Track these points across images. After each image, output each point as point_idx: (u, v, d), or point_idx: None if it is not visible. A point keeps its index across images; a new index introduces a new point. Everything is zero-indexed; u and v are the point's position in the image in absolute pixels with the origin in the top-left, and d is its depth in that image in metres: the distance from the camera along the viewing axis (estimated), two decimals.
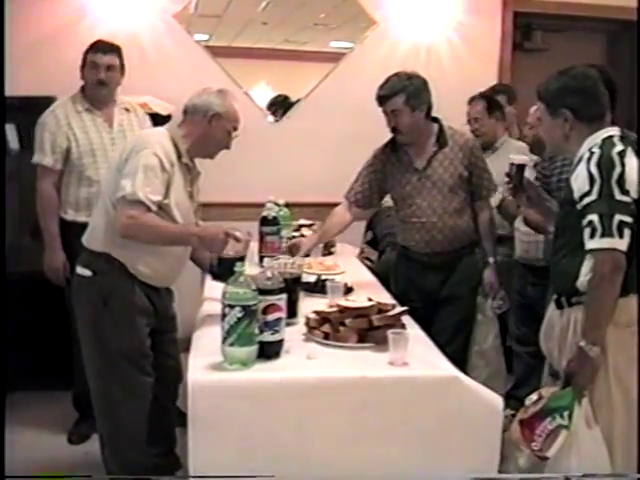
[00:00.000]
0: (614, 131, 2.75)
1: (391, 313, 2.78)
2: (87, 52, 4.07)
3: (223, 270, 2.99)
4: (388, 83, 3.69)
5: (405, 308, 2.90)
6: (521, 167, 3.06)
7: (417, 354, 2.61)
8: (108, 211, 3.04)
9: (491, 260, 3.88)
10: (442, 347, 2.87)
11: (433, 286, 3.82)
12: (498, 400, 2.50)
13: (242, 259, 3.03)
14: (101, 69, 4.01)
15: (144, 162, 2.94)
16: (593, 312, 2.63)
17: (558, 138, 2.83)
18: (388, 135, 5.31)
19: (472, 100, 4.71)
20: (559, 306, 2.84)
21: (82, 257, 3.14)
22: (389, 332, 2.59)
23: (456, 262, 3.82)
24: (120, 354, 3.05)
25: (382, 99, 3.69)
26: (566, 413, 2.60)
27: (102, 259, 3.05)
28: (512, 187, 3.09)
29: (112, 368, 3.07)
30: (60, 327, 4.03)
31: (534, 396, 2.74)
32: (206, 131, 3.14)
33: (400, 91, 3.65)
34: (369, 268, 4.35)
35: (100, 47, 4.07)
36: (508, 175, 3.08)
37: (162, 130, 3.18)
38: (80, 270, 3.12)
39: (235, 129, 3.22)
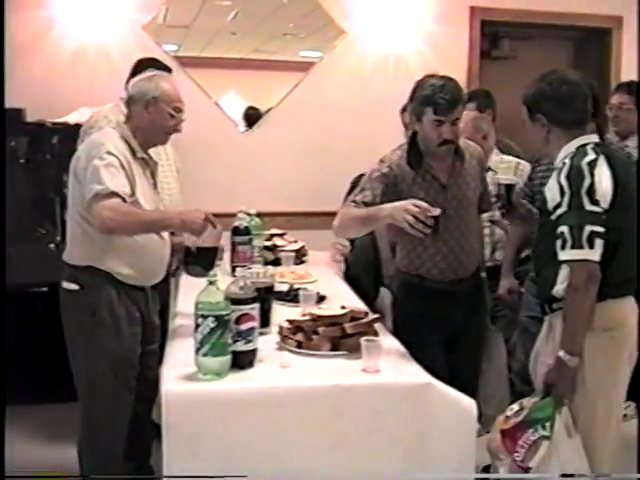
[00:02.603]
0: (590, 139, 2.78)
1: (364, 321, 2.79)
2: (146, 68, 3.96)
3: (202, 260, 2.98)
4: (447, 88, 3.10)
5: (377, 315, 2.91)
6: (509, 187, 3.07)
7: (390, 361, 2.63)
8: (81, 224, 3.02)
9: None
10: (471, 379, 3.19)
11: (456, 317, 3.29)
12: (472, 405, 2.51)
13: (216, 249, 3.05)
14: None
15: (103, 163, 2.92)
16: (570, 322, 2.65)
17: (538, 142, 2.87)
18: (360, 144, 5.36)
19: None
20: (543, 312, 2.88)
21: (66, 272, 3.10)
22: (362, 340, 2.60)
23: (479, 286, 3.41)
24: (107, 367, 3.04)
25: (450, 106, 3.10)
26: (548, 424, 2.62)
27: (86, 272, 3.04)
28: (501, 206, 3.12)
29: (98, 381, 3.06)
30: (60, 340, 3.99)
31: (515, 406, 2.75)
32: (146, 119, 3.09)
33: (462, 96, 3.20)
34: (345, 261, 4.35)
35: (163, 68, 3.97)
36: (497, 196, 3.12)
37: (111, 131, 3.13)
38: (66, 285, 3.09)
39: (178, 110, 3.15)
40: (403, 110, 4.71)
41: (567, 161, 2.70)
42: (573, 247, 2.60)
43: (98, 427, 3.11)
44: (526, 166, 3.83)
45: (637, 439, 2.91)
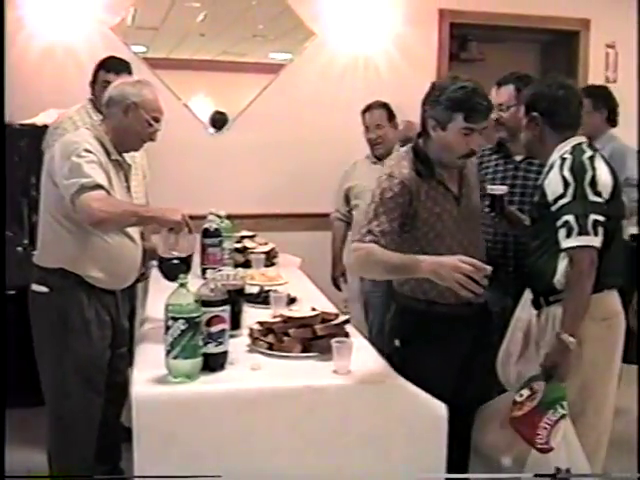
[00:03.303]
0: (581, 140, 2.95)
1: (334, 322, 2.79)
2: (99, 69, 4.03)
3: (178, 266, 2.97)
4: (480, 92, 2.78)
5: (347, 317, 2.91)
6: (501, 197, 3.15)
7: (361, 362, 2.63)
8: (52, 225, 3.01)
9: None
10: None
11: (466, 343, 2.93)
12: (442, 407, 2.52)
13: (191, 257, 3.07)
14: None
15: (84, 160, 2.92)
16: (574, 306, 2.77)
17: (532, 139, 3.03)
18: (330, 146, 5.35)
19: (370, 108, 4.74)
20: (537, 306, 2.98)
21: (36, 274, 3.09)
22: (333, 341, 2.60)
23: (486, 306, 3.04)
24: (76, 371, 3.03)
25: (486, 113, 2.81)
26: (565, 403, 2.71)
27: (57, 275, 3.02)
28: (494, 216, 3.17)
29: (67, 385, 3.05)
30: (27, 344, 3.94)
31: (525, 392, 2.80)
32: (124, 122, 3.10)
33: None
34: None
35: (113, 67, 4.01)
36: (489, 206, 3.16)
37: (85, 131, 3.13)
38: (35, 287, 3.08)
39: (156, 120, 3.16)
40: (364, 111, 4.74)
41: (568, 156, 2.85)
42: (580, 234, 2.73)
43: (68, 431, 3.09)
44: None
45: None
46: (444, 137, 2.78)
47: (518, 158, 3.50)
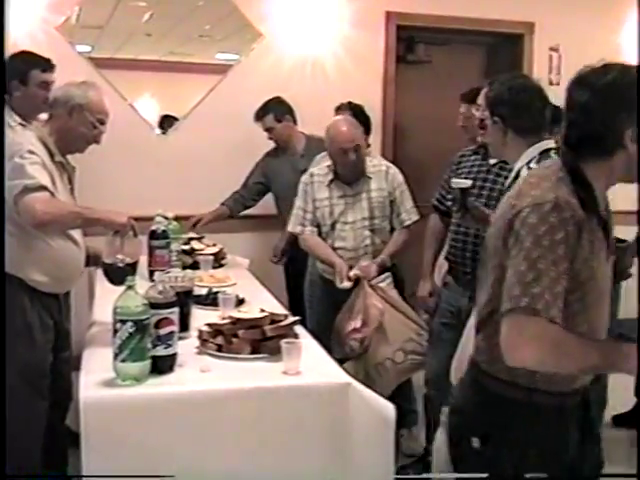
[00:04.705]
0: (549, 144, 2.89)
1: (284, 323, 2.80)
2: (31, 69, 3.94)
3: (124, 271, 2.93)
4: None
5: (297, 318, 2.92)
6: (465, 190, 3.14)
7: (310, 363, 2.63)
8: None
9: None
10: None
11: (573, 445, 2.12)
12: (390, 408, 2.53)
13: (136, 263, 3.02)
14: (50, 87, 3.93)
15: (28, 161, 2.89)
16: None
17: (496, 143, 2.98)
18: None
19: (337, 110, 4.76)
20: None
21: None
22: (282, 342, 2.60)
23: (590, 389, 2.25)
24: (19, 375, 2.97)
25: None
26: None
27: None
28: (457, 210, 3.17)
29: (10, 390, 2.99)
30: None
31: None
32: (68, 124, 3.08)
33: None
34: None
35: (47, 65, 3.93)
36: (453, 199, 3.18)
37: (28, 132, 3.11)
38: None
39: (101, 122, 3.13)
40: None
41: (534, 165, 2.78)
42: None
43: (13, 436, 3.04)
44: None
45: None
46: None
47: (492, 161, 3.45)
